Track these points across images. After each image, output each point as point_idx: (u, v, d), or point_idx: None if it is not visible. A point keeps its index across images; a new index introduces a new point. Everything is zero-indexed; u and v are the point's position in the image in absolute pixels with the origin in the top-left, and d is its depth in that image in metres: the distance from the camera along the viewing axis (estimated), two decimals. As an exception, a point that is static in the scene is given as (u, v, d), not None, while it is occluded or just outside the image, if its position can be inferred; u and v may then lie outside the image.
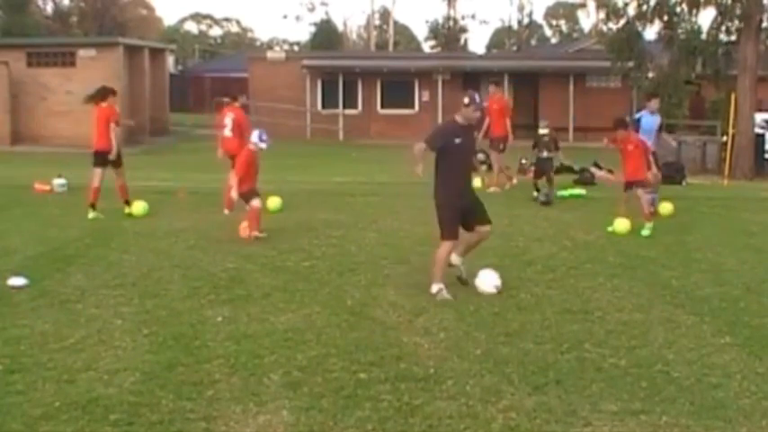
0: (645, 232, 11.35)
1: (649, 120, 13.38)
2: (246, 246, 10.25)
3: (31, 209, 13.29)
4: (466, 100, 7.94)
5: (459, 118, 7.98)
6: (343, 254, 9.90)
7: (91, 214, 12.26)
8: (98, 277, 8.60)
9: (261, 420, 5.08)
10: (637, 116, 13.93)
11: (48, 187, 15.57)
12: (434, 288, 7.89)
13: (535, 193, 14.87)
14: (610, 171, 19.32)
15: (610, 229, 11.53)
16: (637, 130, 12.70)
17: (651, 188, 12.50)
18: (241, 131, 12.91)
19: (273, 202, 13.11)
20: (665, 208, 13.24)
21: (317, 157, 24.96)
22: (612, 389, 5.60)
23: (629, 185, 11.78)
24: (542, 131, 15.46)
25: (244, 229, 10.80)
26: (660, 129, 13.84)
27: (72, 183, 15.76)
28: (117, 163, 12.50)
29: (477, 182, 16.15)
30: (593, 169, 18.46)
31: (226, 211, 12.40)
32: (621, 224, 11.50)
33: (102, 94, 12.34)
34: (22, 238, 10.67)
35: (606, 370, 5.98)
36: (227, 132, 13.28)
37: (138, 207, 12.68)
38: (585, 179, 17.82)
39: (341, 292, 8.07)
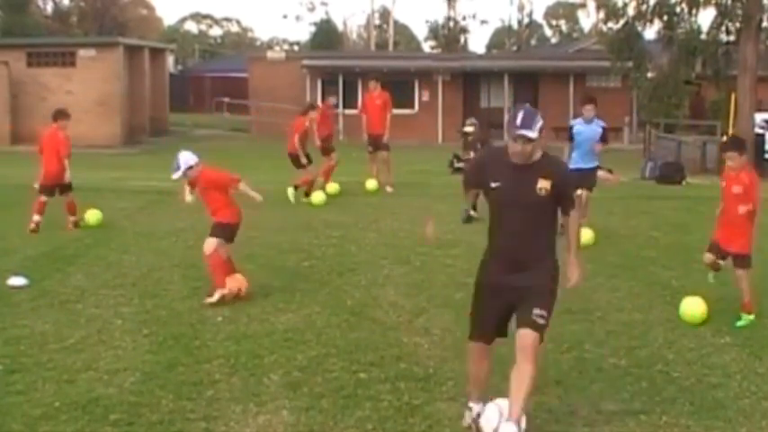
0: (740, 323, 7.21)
1: (584, 130, 10.98)
2: (246, 246, 10.22)
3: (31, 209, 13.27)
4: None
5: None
6: (343, 254, 9.90)
7: (304, 198, 14.03)
8: (98, 277, 8.60)
9: (261, 420, 5.09)
10: (570, 124, 11.46)
11: (48, 187, 15.52)
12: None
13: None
14: (609, 171, 19.31)
15: None
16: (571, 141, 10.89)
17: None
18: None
19: (94, 216, 12.06)
20: (586, 235, 9.92)
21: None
22: (612, 389, 5.60)
23: (719, 252, 7.62)
24: (467, 129, 13.42)
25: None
26: (603, 140, 10.99)
27: (71, 183, 15.72)
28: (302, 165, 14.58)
29: (372, 183, 16.04)
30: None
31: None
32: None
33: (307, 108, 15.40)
34: (22, 238, 10.66)
35: (606, 370, 5.99)
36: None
37: (318, 197, 13.99)
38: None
39: (341, 293, 8.07)
